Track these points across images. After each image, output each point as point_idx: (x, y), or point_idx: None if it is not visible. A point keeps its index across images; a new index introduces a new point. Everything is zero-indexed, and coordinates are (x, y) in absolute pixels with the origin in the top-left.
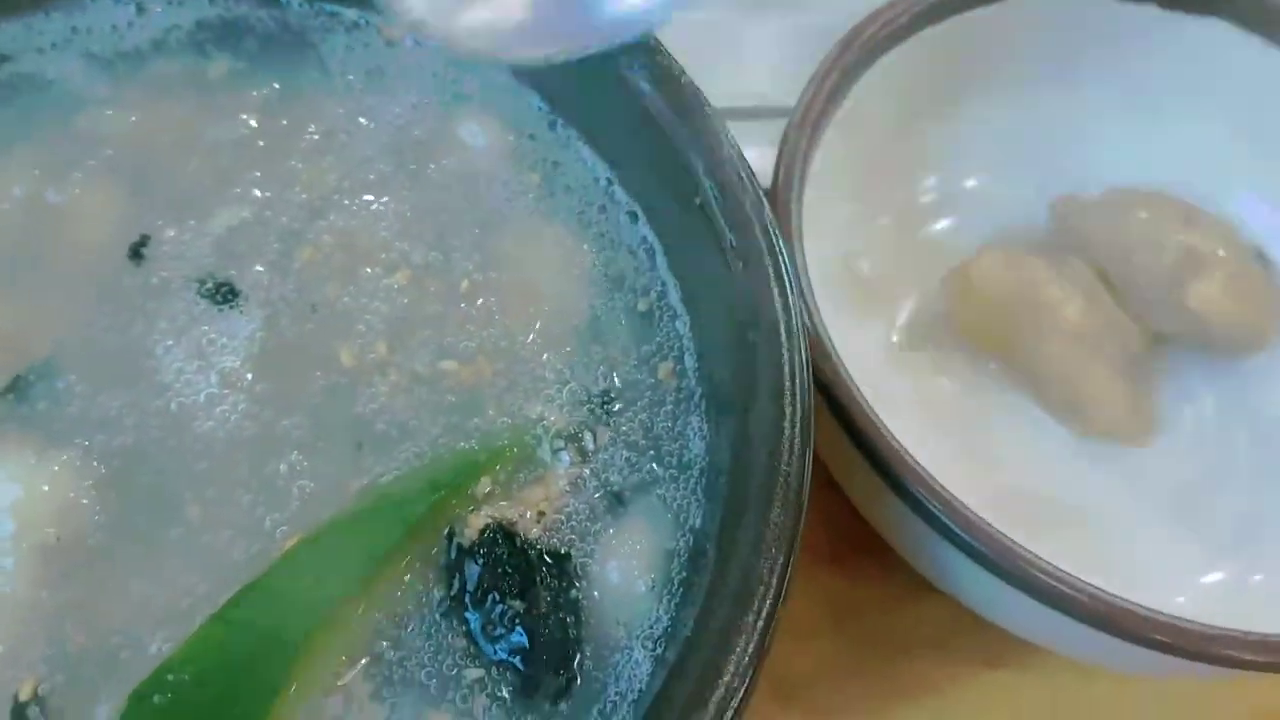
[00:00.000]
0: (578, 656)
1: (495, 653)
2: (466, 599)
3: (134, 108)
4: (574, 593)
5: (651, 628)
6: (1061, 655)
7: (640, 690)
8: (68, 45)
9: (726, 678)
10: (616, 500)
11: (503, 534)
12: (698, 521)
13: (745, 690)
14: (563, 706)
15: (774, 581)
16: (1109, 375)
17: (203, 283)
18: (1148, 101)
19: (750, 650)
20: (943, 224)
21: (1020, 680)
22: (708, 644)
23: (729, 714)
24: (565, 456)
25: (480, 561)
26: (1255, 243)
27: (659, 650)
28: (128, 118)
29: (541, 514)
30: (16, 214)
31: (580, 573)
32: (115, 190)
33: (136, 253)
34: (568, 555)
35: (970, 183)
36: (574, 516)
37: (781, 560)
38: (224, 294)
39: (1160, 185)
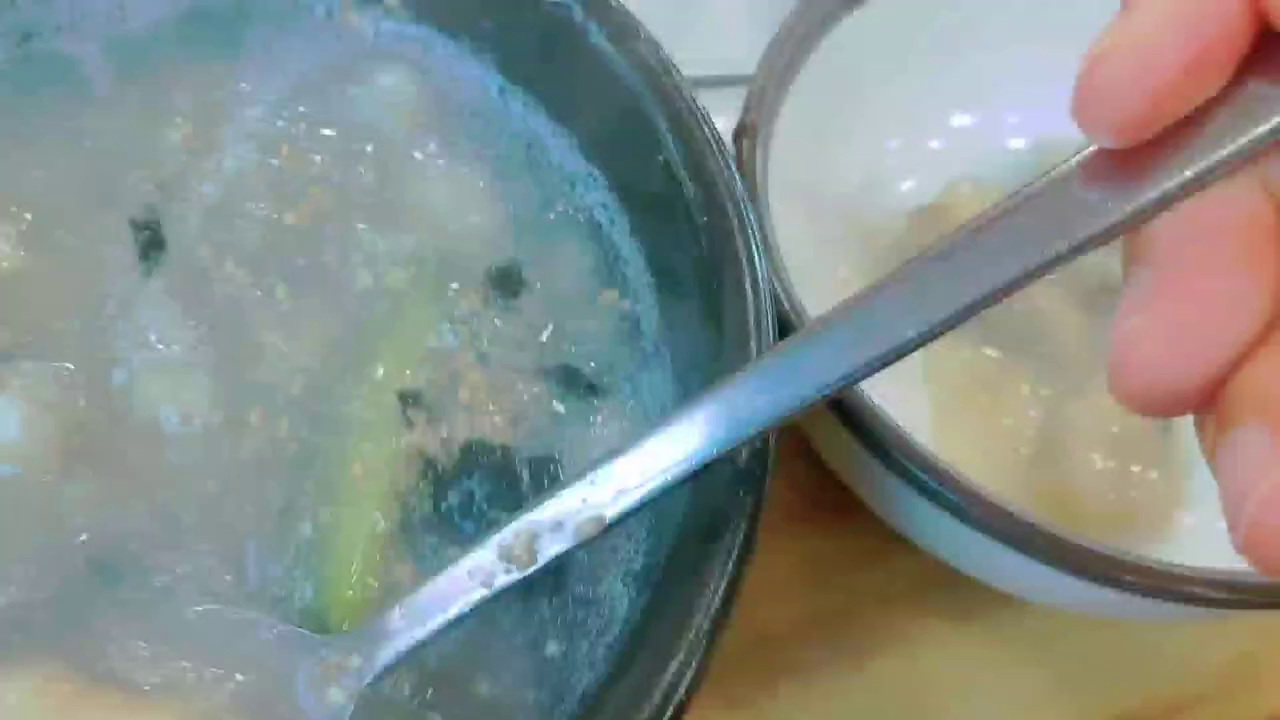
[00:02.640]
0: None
1: None
2: (456, 516)
3: None
4: None
5: (630, 561)
6: (1035, 605)
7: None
8: None
9: (691, 631)
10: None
11: (481, 447)
12: None
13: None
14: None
15: (742, 525)
16: (1065, 306)
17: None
18: None
19: (717, 600)
20: (908, 184)
21: (995, 632)
22: (677, 587)
23: (698, 657)
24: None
25: (467, 482)
26: None
27: (634, 594)
28: None
29: (517, 418)
30: None
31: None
32: None
33: None
34: (560, 462)
35: (934, 143)
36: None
37: (750, 503)
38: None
39: None
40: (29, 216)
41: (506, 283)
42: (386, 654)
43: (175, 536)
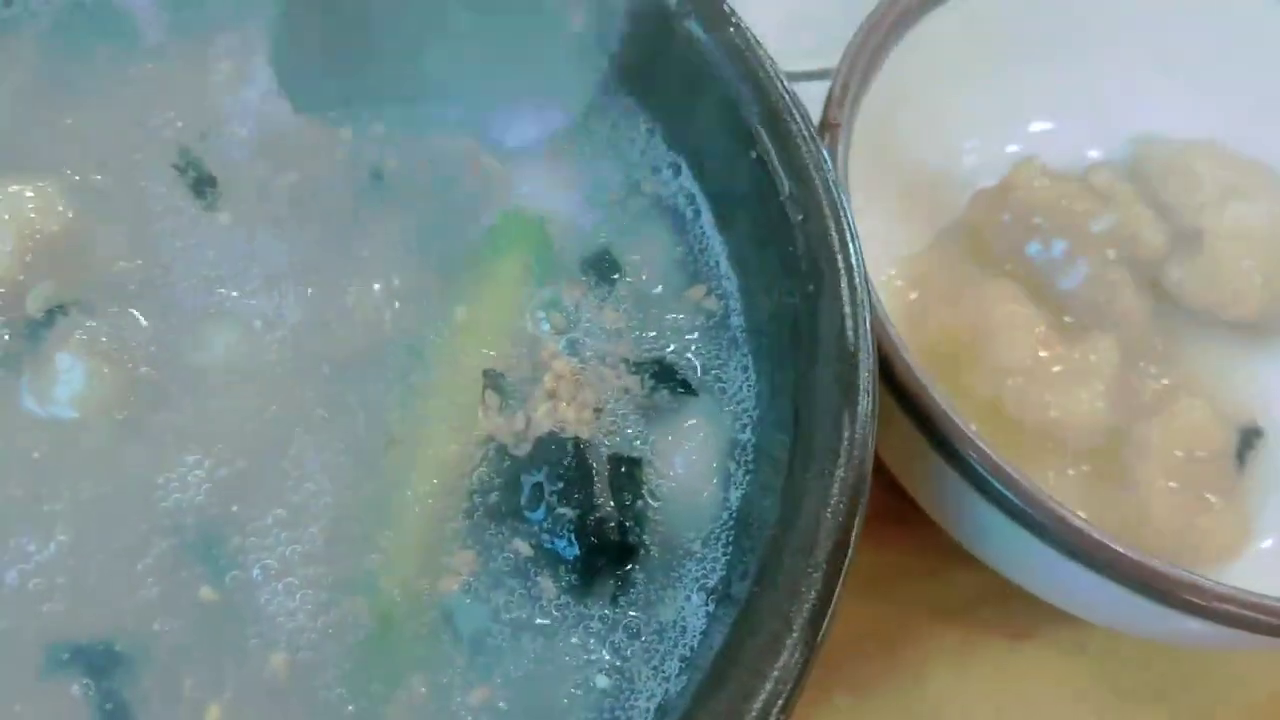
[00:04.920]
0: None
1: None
2: (523, 507)
3: None
4: (639, 502)
5: (706, 576)
6: (1090, 625)
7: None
8: None
9: (786, 649)
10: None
11: (557, 441)
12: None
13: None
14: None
15: (839, 539)
16: (1133, 289)
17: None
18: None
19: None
20: (983, 185)
21: (1046, 651)
22: (769, 601)
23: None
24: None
25: (540, 471)
26: None
27: (713, 607)
28: None
29: (598, 411)
30: None
31: (643, 478)
32: None
33: None
34: (638, 461)
35: (1012, 148)
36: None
37: (848, 518)
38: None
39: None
40: (77, 178)
41: (602, 268)
42: None
43: None
